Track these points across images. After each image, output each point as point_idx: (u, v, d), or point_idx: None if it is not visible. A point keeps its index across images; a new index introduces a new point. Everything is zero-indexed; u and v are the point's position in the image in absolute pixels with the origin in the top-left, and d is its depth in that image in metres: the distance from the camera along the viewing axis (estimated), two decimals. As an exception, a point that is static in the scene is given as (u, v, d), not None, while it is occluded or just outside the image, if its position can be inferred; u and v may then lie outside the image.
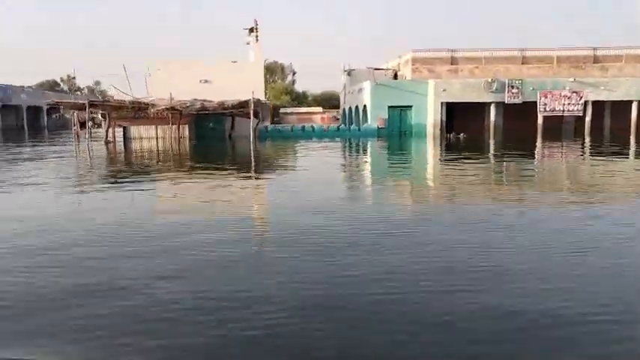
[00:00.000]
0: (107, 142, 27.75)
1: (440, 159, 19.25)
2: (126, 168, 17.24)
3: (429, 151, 23.20)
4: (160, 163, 18.64)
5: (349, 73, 39.68)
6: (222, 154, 23.03)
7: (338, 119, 69.63)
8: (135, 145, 27.15)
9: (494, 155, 20.55)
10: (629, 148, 22.81)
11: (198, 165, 17.76)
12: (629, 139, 27.84)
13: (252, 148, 24.38)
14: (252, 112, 27.20)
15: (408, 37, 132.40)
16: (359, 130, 32.17)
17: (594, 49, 36.33)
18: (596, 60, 36.14)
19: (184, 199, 10.59)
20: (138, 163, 18.84)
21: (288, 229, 7.37)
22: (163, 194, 11.46)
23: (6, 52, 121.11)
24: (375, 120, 32.34)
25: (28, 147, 26.85)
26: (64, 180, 13.51)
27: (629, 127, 31.90)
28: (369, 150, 24.11)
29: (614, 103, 33.00)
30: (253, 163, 18.44)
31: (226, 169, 15.99)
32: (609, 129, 33.75)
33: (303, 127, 33.53)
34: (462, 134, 29.55)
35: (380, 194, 11.38)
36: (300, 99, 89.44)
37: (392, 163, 18.58)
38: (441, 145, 25.66)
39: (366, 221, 7.95)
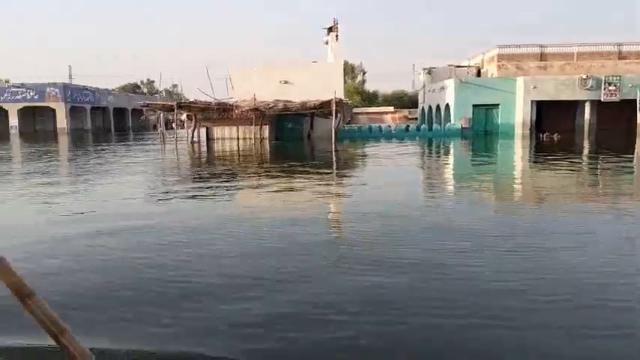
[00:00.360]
0: (193, 142, 28.47)
1: (543, 163, 18.02)
2: (235, 167, 17.40)
3: (523, 154, 21.88)
4: (262, 163, 18.69)
5: (429, 71, 38.66)
6: (308, 155, 22.90)
7: (409, 119, 68.60)
8: (218, 146, 27.68)
9: (607, 160, 18.86)
10: None
11: (298, 166, 17.62)
12: None
13: (333, 149, 24.06)
14: (334, 112, 26.92)
15: (482, 30, 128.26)
16: (442, 130, 31.13)
17: None
18: None
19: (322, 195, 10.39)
20: (239, 162, 19.03)
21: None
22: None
23: (88, 55, 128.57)
24: (458, 119, 31.22)
25: (129, 148, 27.98)
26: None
27: None
28: (460, 153, 23.01)
29: None
30: (347, 167, 18.09)
31: (324, 172, 15.76)
32: None
33: (381, 127, 32.93)
34: (556, 134, 27.84)
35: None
36: (371, 99, 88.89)
37: (498, 171, 17.61)
38: (534, 146, 24.21)
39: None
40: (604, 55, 33.76)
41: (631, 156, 19.32)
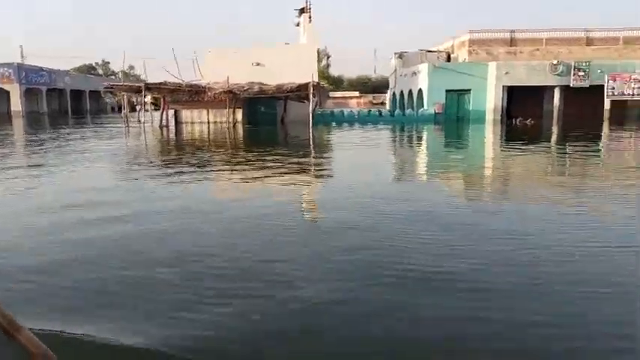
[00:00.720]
0: (162, 127, 27.36)
1: (522, 150, 18.06)
2: (226, 152, 16.63)
3: (501, 140, 21.98)
4: (239, 150, 17.99)
5: (400, 56, 38.43)
6: (284, 140, 22.32)
7: (374, 104, 68.64)
8: (188, 130, 26.70)
9: (584, 145, 19.03)
10: None
11: (282, 154, 17.01)
12: None
13: (311, 134, 23.52)
14: (310, 96, 26.35)
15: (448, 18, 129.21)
16: (415, 115, 31.02)
17: (665, 28, 34.29)
18: (666, 40, 34.11)
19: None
20: (221, 147, 18.25)
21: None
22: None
23: (42, 35, 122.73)
24: (431, 105, 31.15)
25: (90, 132, 26.60)
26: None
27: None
28: (436, 141, 22.89)
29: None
30: (327, 155, 17.63)
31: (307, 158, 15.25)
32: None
33: (356, 112, 32.60)
34: (529, 119, 28.15)
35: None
36: (337, 83, 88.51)
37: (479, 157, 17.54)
38: (507, 132, 24.39)
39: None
40: (572, 41, 34.32)
41: (598, 142, 19.74)
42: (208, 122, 29.98)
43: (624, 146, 18.21)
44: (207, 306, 4.01)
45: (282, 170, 11.86)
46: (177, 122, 30.20)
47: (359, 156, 15.75)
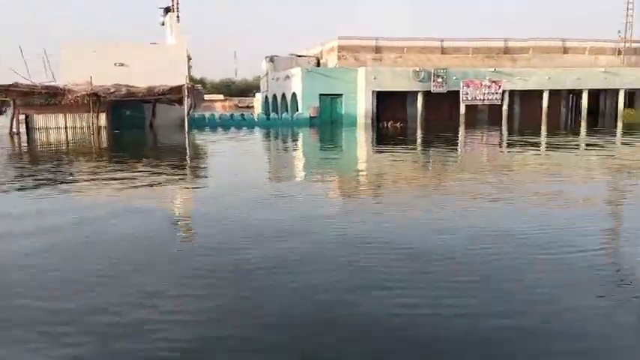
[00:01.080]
0: (12, 134, 24.14)
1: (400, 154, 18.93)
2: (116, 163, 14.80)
3: (366, 143, 22.84)
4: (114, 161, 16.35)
5: (271, 59, 38.39)
6: (171, 149, 20.93)
7: (239, 107, 68.09)
8: (43, 136, 23.91)
9: (446, 146, 20.52)
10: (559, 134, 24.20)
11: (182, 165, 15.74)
12: (540, 125, 29.89)
13: (187, 140, 22.37)
14: (185, 99, 25.12)
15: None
16: (291, 119, 31.16)
17: (505, 40, 38.46)
18: (506, 51, 38.30)
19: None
20: (84, 156, 16.36)
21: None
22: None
23: None
24: (306, 108, 31.53)
25: None
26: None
27: (538, 114, 34.14)
28: (311, 141, 23.19)
29: (523, 92, 35.13)
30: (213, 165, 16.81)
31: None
32: (520, 116, 36.06)
33: (232, 115, 31.91)
34: (399, 123, 29.76)
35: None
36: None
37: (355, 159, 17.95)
38: (381, 134, 25.53)
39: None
40: (430, 50, 37.07)
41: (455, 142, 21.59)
42: (66, 128, 27.16)
43: (478, 146, 20.06)
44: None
45: (144, 183, 10.86)
46: (29, 128, 26.92)
47: (238, 163, 15.19)
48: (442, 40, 37.45)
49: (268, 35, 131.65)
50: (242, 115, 32.63)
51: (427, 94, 32.84)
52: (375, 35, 36.80)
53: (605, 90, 36.57)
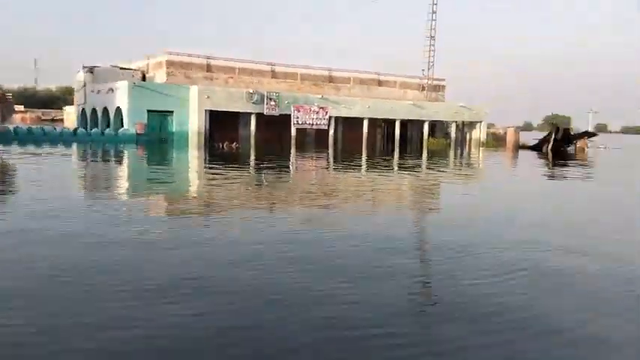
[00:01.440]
0: None
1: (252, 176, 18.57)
2: None
3: (199, 162, 22.15)
4: None
5: (91, 70, 35.03)
6: None
7: (44, 120, 60.95)
8: None
9: (286, 168, 20.79)
10: (381, 156, 26.28)
11: None
12: (362, 149, 32.31)
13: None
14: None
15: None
16: (115, 135, 28.58)
17: (329, 70, 40.93)
18: (331, 80, 40.78)
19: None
20: None
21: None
22: None
23: None
24: (132, 125, 29.32)
25: None
26: None
27: (359, 139, 36.82)
28: (145, 161, 21.53)
29: (346, 118, 37.64)
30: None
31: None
32: (343, 141, 38.52)
33: (44, 129, 28.15)
34: (235, 143, 29.34)
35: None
36: (-8, 94, 75.00)
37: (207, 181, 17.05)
38: (216, 155, 24.82)
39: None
40: (261, 74, 37.60)
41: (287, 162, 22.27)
42: None
43: (308, 167, 20.88)
44: None
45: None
46: None
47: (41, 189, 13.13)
48: (273, 65, 38.33)
49: (77, 43, 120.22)
50: (54, 127, 28.93)
51: (260, 116, 33.11)
52: (207, 54, 36.12)
53: (412, 120, 41.03)
